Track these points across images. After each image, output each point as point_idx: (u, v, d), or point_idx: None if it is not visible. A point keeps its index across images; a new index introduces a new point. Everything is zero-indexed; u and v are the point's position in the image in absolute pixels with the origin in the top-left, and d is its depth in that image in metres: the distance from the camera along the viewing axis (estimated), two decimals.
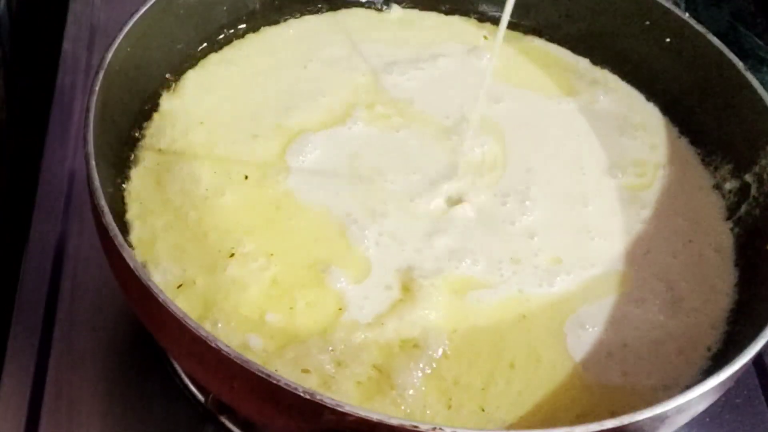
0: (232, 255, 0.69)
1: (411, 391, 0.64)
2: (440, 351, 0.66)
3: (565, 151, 0.82)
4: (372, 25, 0.90)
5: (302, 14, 0.90)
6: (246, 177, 0.75)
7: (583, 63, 0.90)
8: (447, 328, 0.68)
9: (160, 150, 0.76)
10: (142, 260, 0.69)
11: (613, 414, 0.59)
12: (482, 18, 0.93)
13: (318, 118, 0.80)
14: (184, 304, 0.66)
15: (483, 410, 0.64)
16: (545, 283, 0.72)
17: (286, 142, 0.78)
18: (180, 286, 0.67)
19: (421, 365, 0.65)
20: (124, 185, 0.73)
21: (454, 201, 0.76)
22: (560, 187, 0.79)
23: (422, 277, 0.70)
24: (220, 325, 0.66)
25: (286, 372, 0.63)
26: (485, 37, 0.91)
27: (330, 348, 0.65)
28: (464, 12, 0.94)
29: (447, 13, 0.93)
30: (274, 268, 0.69)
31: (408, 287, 0.69)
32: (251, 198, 0.74)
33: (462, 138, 0.79)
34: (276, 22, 0.88)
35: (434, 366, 0.65)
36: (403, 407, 0.63)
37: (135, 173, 0.74)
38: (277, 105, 0.81)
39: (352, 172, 0.77)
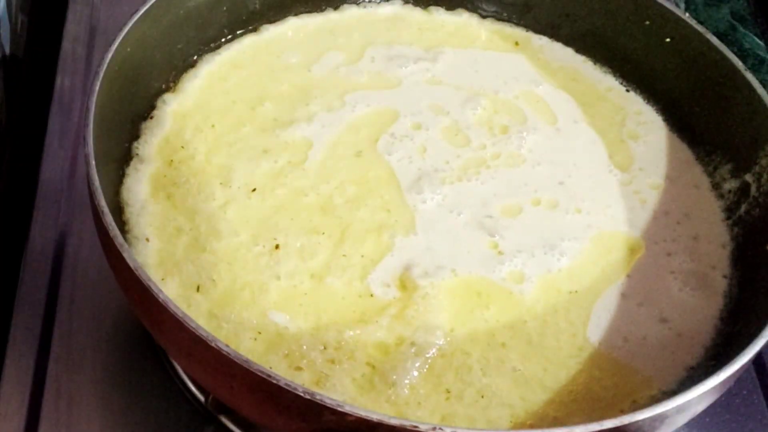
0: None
1: (407, 388, 0.64)
2: (437, 348, 0.66)
3: (569, 148, 0.82)
4: (375, 23, 0.90)
5: (304, 13, 0.90)
6: (254, 190, 0.74)
7: (586, 66, 0.90)
8: (445, 324, 0.68)
9: (161, 150, 0.76)
10: (154, 262, 0.69)
11: (622, 411, 0.59)
12: (484, 15, 0.94)
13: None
14: (203, 301, 0.67)
15: (483, 397, 0.64)
16: (548, 269, 0.72)
17: (296, 153, 0.78)
18: (198, 288, 0.68)
19: (417, 363, 0.65)
20: (125, 186, 0.73)
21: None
22: (554, 183, 0.79)
23: (420, 277, 0.70)
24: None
25: (279, 369, 0.63)
26: (516, 44, 0.91)
27: (322, 346, 0.65)
28: (471, 9, 0.94)
29: (448, 8, 0.93)
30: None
31: (405, 286, 0.69)
32: (253, 210, 0.74)
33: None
34: (277, 22, 0.88)
35: (431, 362, 0.65)
36: (399, 403, 0.63)
37: (136, 174, 0.74)
38: (281, 113, 0.80)
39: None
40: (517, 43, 0.91)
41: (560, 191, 0.78)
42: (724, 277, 0.75)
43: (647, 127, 0.85)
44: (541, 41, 0.91)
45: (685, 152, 0.84)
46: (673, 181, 0.81)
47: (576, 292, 0.71)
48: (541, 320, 0.69)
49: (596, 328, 0.69)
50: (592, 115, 0.85)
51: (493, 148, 0.80)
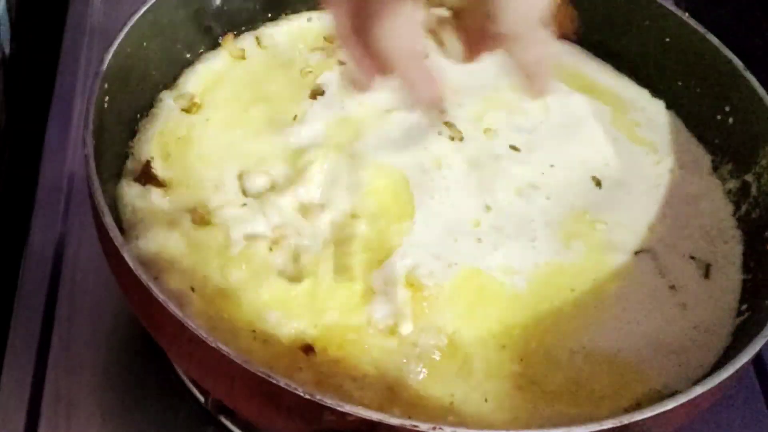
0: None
1: (409, 390, 0.64)
2: (440, 350, 0.66)
3: (576, 141, 0.82)
4: None
5: (304, 12, 0.90)
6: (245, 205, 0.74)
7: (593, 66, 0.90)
8: (449, 325, 0.68)
9: (158, 149, 0.76)
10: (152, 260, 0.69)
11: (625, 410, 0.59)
12: None
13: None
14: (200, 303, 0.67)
15: (486, 401, 0.64)
16: (546, 262, 0.72)
17: (298, 154, 0.77)
18: (192, 289, 0.67)
19: (420, 365, 0.65)
20: (122, 184, 0.73)
21: None
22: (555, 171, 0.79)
23: (426, 276, 0.70)
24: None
25: (279, 369, 0.63)
26: None
27: (323, 345, 0.65)
28: None
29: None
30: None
31: (412, 284, 0.69)
32: (251, 210, 0.73)
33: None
34: (277, 20, 0.88)
35: (434, 364, 0.65)
36: (401, 404, 0.63)
37: (134, 172, 0.74)
38: (281, 113, 0.80)
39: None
40: None
41: (557, 178, 0.78)
42: (726, 278, 0.75)
43: (652, 119, 0.85)
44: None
45: (693, 143, 0.84)
46: (683, 186, 0.81)
47: (575, 289, 0.71)
48: (543, 319, 0.69)
49: (596, 323, 0.69)
50: (592, 103, 0.85)
51: (496, 139, 0.80)
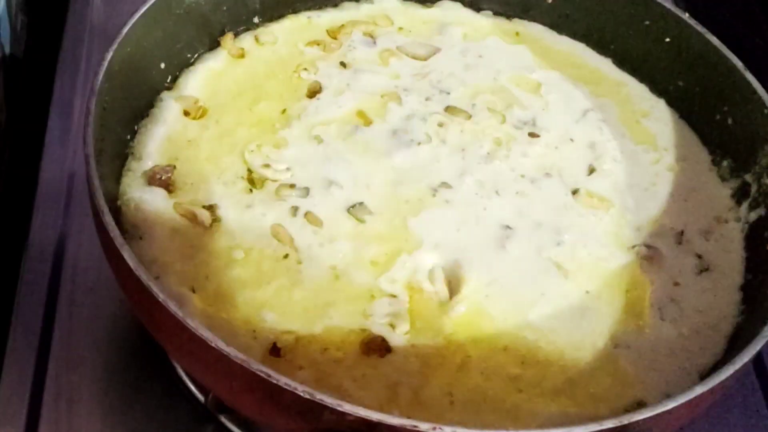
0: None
1: (408, 389, 0.64)
2: (438, 350, 0.66)
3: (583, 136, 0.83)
4: (377, 19, 0.90)
5: (303, 11, 0.90)
6: (251, 190, 0.74)
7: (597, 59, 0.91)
8: (448, 326, 0.68)
9: (159, 149, 0.76)
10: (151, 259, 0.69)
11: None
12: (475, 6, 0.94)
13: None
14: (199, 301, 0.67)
15: (484, 401, 0.64)
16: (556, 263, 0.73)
17: (299, 154, 0.77)
18: (193, 289, 0.67)
19: (419, 365, 0.65)
20: (122, 184, 0.73)
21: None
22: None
23: (434, 280, 0.69)
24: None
25: (279, 368, 0.63)
26: (517, 34, 0.91)
27: (324, 345, 0.65)
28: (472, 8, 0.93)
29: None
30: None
31: (413, 287, 0.69)
32: (252, 211, 0.73)
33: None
34: (277, 20, 0.88)
35: (432, 364, 0.65)
36: (401, 404, 0.63)
37: (134, 172, 0.74)
38: (281, 111, 0.80)
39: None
40: (517, 34, 0.91)
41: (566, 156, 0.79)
42: (726, 279, 0.75)
43: (655, 113, 0.86)
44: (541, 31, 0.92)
45: (694, 138, 0.84)
46: (683, 167, 0.81)
47: (588, 292, 0.71)
48: (548, 322, 0.69)
49: (598, 326, 0.69)
50: (598, 95, 0.86)
51: (512, 132, 0.81)
